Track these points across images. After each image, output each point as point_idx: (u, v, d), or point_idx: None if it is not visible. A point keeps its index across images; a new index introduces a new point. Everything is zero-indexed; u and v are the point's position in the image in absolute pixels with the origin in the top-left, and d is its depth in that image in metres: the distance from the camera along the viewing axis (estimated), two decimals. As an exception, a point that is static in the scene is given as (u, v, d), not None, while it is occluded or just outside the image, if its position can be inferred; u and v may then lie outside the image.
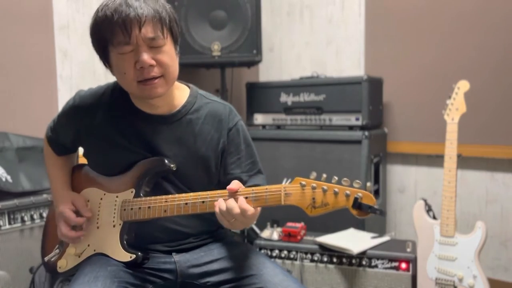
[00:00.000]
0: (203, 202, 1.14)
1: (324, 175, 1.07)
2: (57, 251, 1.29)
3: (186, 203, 1.15)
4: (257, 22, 2.46)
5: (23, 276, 1.74)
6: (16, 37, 2.05)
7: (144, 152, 1.24)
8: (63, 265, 1.27)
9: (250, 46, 2.46)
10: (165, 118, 1.25)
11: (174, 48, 1.19)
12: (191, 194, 1.16)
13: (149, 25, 1.10)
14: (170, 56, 1.16)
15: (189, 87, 1.33)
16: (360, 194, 1.03)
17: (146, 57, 1.10)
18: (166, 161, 1.22)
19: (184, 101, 1.28)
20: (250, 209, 1.07)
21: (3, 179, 1.80)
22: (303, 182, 1.07)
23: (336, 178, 1.06)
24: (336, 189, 1.04)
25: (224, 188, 1.14)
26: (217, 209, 1.10)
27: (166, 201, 1.18)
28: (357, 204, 1.02)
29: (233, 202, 1.08)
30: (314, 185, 1.06)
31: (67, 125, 1.32)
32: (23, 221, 1.78)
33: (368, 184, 1.05)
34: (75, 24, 2.26)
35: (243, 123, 1.35)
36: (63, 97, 2.23)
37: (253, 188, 1.11)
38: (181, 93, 1.30)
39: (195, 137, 1.26)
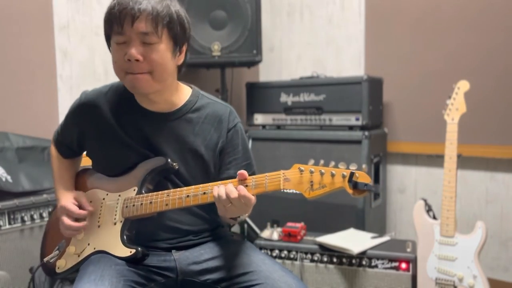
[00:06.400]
0: (204, 193, 1.16)
1: (322, 161, 1.10)
2: (57, 252, 1.30)
3: (188, 196, 1.18)
4: (257, 22, 2.46)
5: (23, 276, 1.74)
6: (16, 37, 2.05)
7: (145, 150, 1.26)
8: (62, 265, 1.27)
9: (250, 46, 2.46)
10: (165, 116, 1.27)
11: (172, 48, 1.19)
12: (192, 186, 1.19)
13: (143, 21, 1.13)
14: (161, 55, 1.16)
15: (191, 87, 1.35)
16: (356, 174, 1.04)
17: (134, 51, 1.13)
18: (169, 160, 1.24)
19: (185, 100, 1.30)
20: (248, 195, 1.09)
21: (3, 179, 1.80)
22: (302, 168, 1.09)
23: (333, 163, 1.08)
24: (333, 171, 1.06)
25: None
26: (215, 194, 1.12)
27: (168, 195, 1.20)
28: (353, 182, 1.03)
29: (232, 187, 1.10)
30: (312, 169, 1.08)
31: (73, 124, 1.34)
32: (23, 221, 1.79)
33: (364, 166, 1.06)
34: (75, 24, 2.26)
35: (242, 125, 1.37)
36: (63, 97, 2.23)
37: (253, 176, 1.14)
38: (183, 93, 1.32)
39: (195, 136, 1.28)
